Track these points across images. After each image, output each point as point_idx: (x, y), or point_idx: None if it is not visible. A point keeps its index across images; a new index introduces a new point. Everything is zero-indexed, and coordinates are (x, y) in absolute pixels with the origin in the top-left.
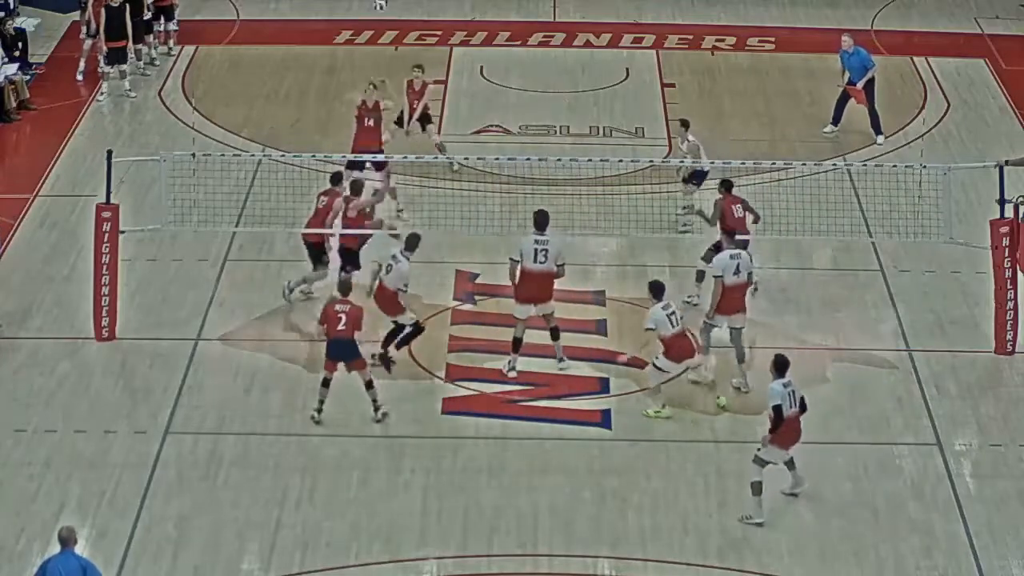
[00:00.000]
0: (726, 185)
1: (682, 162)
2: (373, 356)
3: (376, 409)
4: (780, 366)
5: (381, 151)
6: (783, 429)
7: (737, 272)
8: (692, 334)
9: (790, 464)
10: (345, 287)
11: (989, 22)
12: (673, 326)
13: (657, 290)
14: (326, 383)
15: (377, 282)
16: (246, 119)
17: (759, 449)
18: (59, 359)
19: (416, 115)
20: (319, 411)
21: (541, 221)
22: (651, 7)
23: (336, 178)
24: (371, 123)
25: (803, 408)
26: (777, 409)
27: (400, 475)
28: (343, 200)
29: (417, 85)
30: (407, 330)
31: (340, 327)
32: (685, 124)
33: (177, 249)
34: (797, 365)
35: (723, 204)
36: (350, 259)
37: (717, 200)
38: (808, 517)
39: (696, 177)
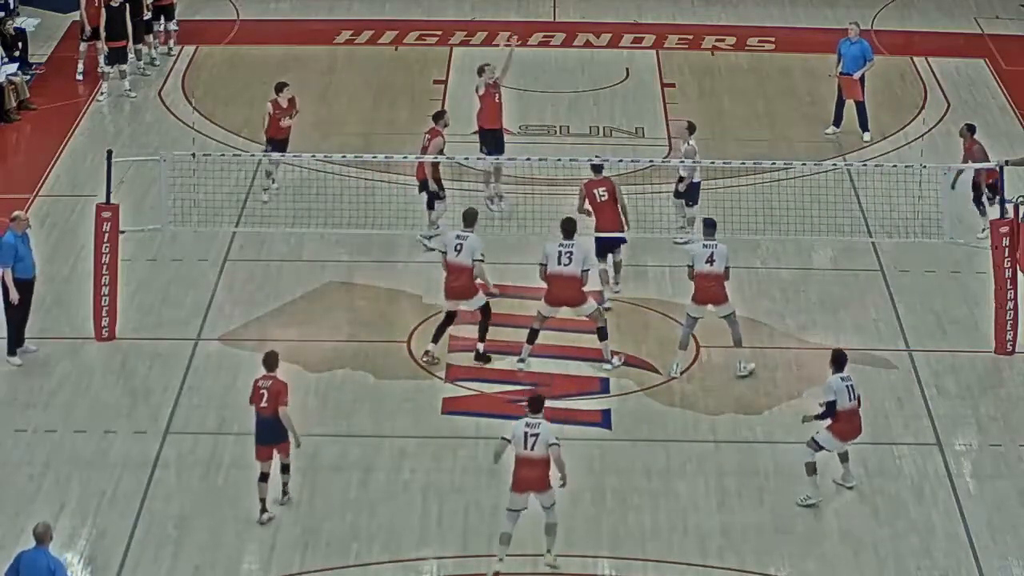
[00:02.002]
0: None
1: (682, 162)
2: (426, 353)
3: (284, 493)
4: (839, 361)
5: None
6: (841, 422)
7: (711, 262)
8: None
9: (843, 456)
10: (270, 360)
11: (989, 22)
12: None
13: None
14: (263, 477)
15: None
16: (246, 119)
17: (817, 432)
18: (59, 359)
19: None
20: (263, 511)
21: (569, 229)
22: (651, 7)
23: (438, 115)
24: (286, 122)
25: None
26: (830, 404)
27: (400, 475)
28: (442, 138)
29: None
30: (479, 317)
31: (262, 404)
32: (691, 128)
33: (177, 249)
34: (797, 365)
35: None
36: (431, 192)
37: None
38: (808, 517)
39: (691, 196)
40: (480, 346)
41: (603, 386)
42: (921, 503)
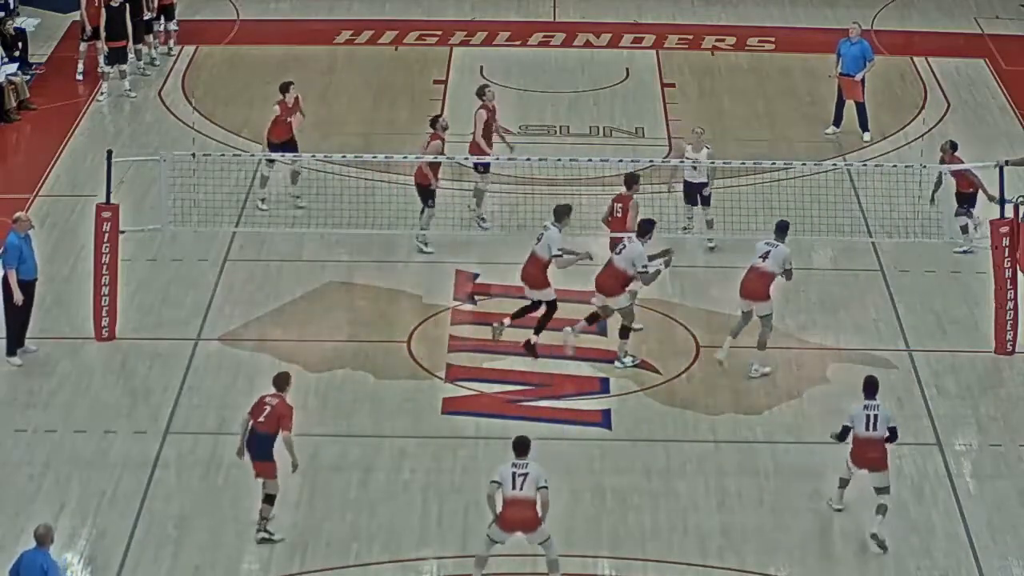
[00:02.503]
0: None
1: (694, 165)
2: (499, 327)
3: (260, 529)
4: (868, 387)
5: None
6: (854, 448)
7: (764, 257)
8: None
9: (879, 490)
10: (280, 380)
11: (989, 22)
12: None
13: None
14: (267, 499)
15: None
16: (246, 119)
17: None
18: (59, 359)
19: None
20: (259, 530)
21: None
22: (651, 7)
23: (433, 121)
24: (289, 120)
25: (892, 436)
26: (844, 428)
27: (400, 475)
28: (440, 142)
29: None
30: (543, 310)
31: (261, 419)
32: (701, 131)
33: (177, 249)
34: (797, 365)
35: None
36: (426, 196)
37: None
38: (808, 517)
39: (705, 200)
40: (534, 338)
41: (603, 386)
42: (921, 503)
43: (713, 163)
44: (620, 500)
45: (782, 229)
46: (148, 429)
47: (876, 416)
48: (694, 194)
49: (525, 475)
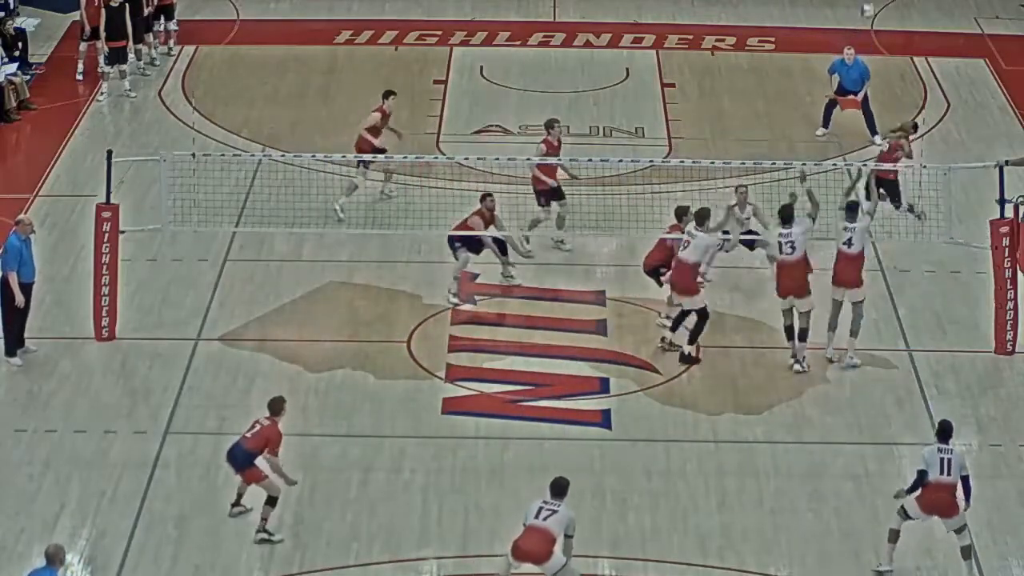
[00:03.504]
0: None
1: (747, 219)
2: (663, 339)
3: (259, 530)
4: (942, 432)
5: None
6: (924, 493)
7: (848, 244)
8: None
9: (960, 535)
10: (275, 405)
11: (989, 22)
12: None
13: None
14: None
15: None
16: (246, 119)
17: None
18: (59, 359)
19: None
20: (235, 504)
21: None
22: (651, 7)
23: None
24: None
25: (966, 487)
26: (921, 473)
27: (400, 475)
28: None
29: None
30: (695, 320)
31: (248, 434)
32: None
33: (177, 249)
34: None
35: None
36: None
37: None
38: (808, 517)
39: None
40: (687, 348)
41: (603, 386)
42: None
43: (760, 222)
44: (620, 500)
45: (852, 209)
46: (148, 429)
47: (952, 460)
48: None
49: (552, 512)
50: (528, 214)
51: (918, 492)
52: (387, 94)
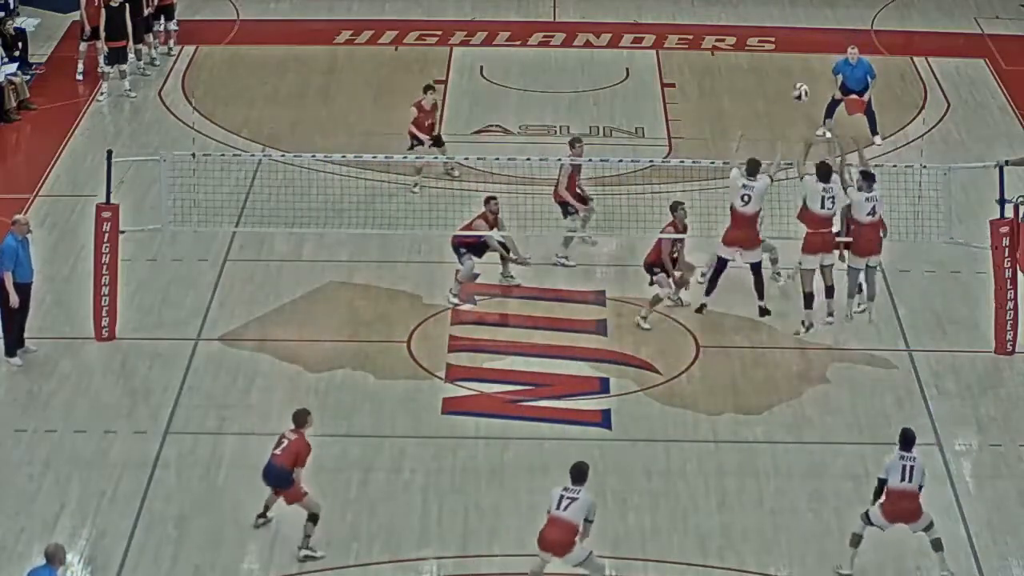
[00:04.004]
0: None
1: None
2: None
3: (302, 547)
4: (904, 439)
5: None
6: (887, 500)
7: (872, 213)
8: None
9: (928, 532)
10: (299, 417)
11: (989, 22)
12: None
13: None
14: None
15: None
16: (246, 119)
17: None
18: (59, 359)
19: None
20: (262, 515)
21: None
22: (651, 7)
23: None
24: (429, 123)
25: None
26: (880, 481)
27: (400, 475)
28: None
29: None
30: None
31: (277, 451)
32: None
33: (177, 249)
34: (797, 365)
35: None
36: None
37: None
38: (808, 517)
39: None
40: (760, 303)
41: (603, 386)
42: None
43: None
44: (620, 500)
45: (869, 177)
46: (148, 429)
47: (915, 467)
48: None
49: (572, 500)
50: (528, 214)
51: (882, 499)
52: (425, 88)
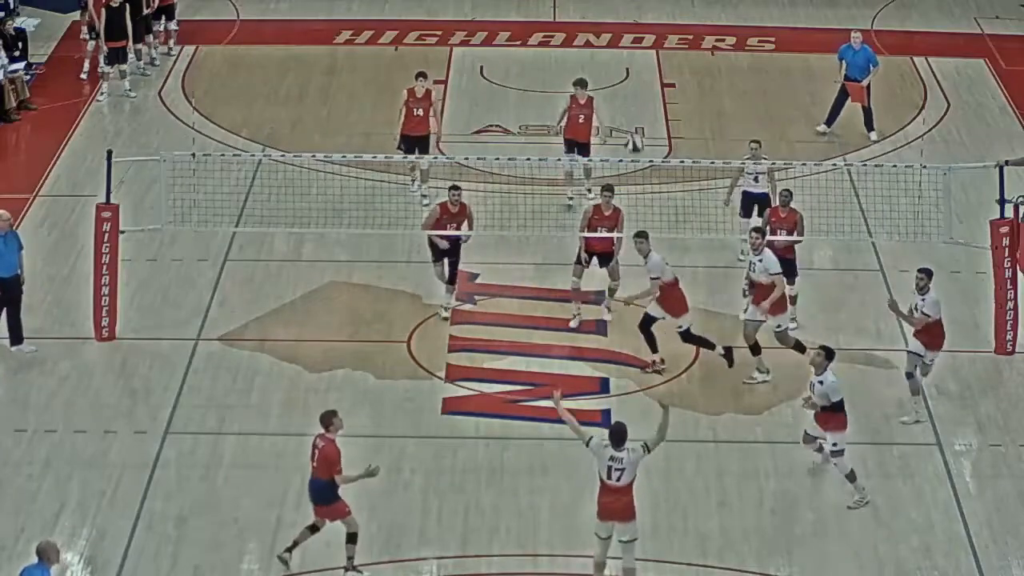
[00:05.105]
0: None
1: (756, 178)
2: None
3: (348, 569)
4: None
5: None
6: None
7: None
8: None
9: (835, 457)
10: (324, 419)
11: (989, 22)
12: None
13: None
14: (313, 529)
15: None
16: (246, 119)
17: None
18: (59, 359)
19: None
20: (288, 550)
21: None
22: (651, 7)
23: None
24: (420, 112)
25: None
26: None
27: (400, 475)
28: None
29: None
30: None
31: (313, 464)
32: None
33: (177, 249)
34: (797, 365)
35: None
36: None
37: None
38: (808, 517)
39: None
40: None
41: (603, 386)
42: (921, 503)
43: (773, 166)
44: None
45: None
46: (148, 429)
47: (623, 469)
48: (751, 205)
49: (622, 469)
50: (527, 213)
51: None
52: (417, 75)
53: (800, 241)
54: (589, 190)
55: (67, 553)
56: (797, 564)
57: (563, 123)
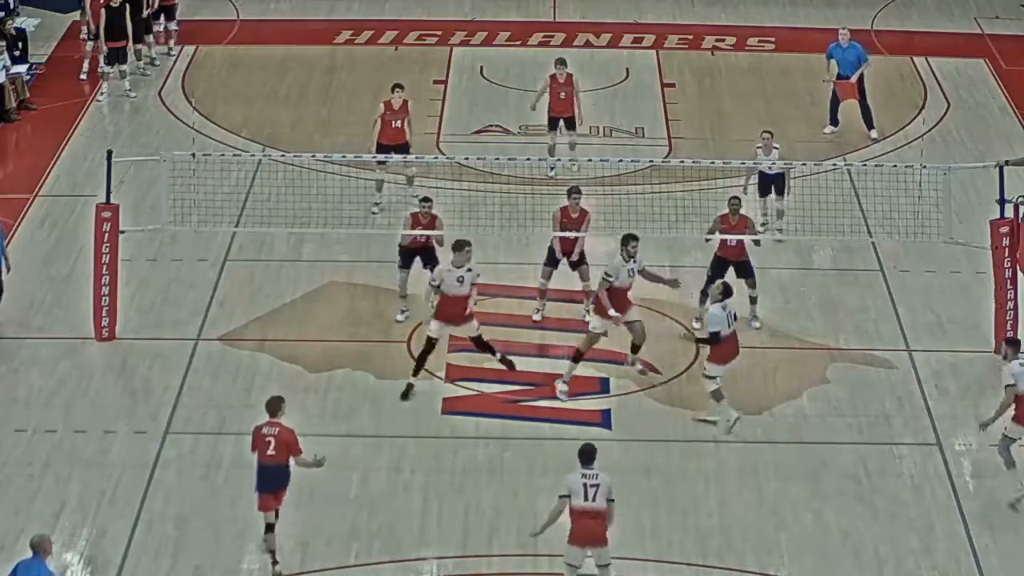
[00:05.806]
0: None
1: (769, 167)
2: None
3: (276, 562)
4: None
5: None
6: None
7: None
8: None
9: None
10: (272, 406)
11: (989, 22)
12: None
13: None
14: (270, 528)
15: None
16: (246, 119)
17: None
18: (59, 359)
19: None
20: (275, 563)
21: None
22: (651, 7)
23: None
24: (397, 124)
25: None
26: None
27: (400, 475)
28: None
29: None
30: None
31: (269, 452)
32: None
33: (177, 249)
34: (797, 365)
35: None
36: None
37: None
38: (808, 517)
39: (780, 189)
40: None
41: (603, 386)
42: (921, 503)
43: (787, 163)
44: (620, 500)
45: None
46: (148, 429)
47: (596, 486)
48: (769, 185)
49: (596, 486)
50: (526, 213)
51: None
52: (393, 87)
53: (758, 242)
54: (573, 162)
55: (67, 553)
56: (797, 564)
57: (539, 102)
